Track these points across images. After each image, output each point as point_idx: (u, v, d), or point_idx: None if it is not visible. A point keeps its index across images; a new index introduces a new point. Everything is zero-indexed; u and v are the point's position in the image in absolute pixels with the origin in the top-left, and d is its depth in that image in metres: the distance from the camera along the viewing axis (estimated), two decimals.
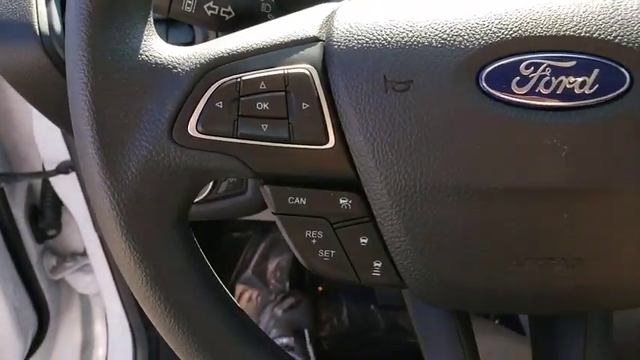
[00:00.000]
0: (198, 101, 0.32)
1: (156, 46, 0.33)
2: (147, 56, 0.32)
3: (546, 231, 0.33)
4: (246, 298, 1.29)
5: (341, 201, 0.35)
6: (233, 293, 1.28)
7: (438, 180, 0.32)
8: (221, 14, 0.42)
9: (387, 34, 0.33)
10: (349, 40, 0.33)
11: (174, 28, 0.58)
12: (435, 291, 0.35)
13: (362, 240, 0.35)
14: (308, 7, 0.37)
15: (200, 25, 0.43)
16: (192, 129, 0.33)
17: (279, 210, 0.34)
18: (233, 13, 0.42)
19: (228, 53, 0.33)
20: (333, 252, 0.35)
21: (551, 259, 0.33)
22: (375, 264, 0.35)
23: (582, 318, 0.39)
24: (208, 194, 0.64)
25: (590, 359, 0.39)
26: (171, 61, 0.33)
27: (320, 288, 1.32)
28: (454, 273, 0.34)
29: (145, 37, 0.33)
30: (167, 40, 0.53)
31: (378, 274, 0.35)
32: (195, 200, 0.64)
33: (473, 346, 0.40)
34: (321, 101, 0.33)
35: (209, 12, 0.42)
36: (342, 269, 0.35)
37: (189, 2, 0.42)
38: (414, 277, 0.34)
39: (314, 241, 0.35)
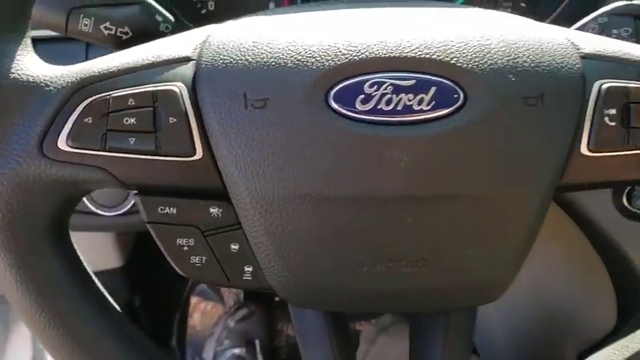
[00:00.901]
0: (69, 117, 0.35)
1: (30, 65, 0.35)
2: (19, 75, 0.35)
3: (393, 235, 0.35)
4: (200, 309, 1.30)
5: (211, 210, 0.37)
6: (187, 305, 1.29)
7: (293, 190, 0.35)
8: (118, 34, 0.45)
9: (249, 55, 0.36)
10: (216, 60, 0.36)
11: (94, 46, 0.60)
12: (297, 293, 0.37)
13: (232, 246, 0.37)
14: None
15: (98, 43, 0.46)
16: (62, 143, 0.35)
17: (150, 219, 0.37)
18: (130, 33, 0.45)
19: (99, 72, 0.36)
20: (204, 258, 0.37)
21: (399, 260, 0.36)
22: (246, 269, 0.38)
23: (444, 314, 0.42)
24: (132, 206, 0.66)
25: (449, 353, 0.42)
26: (44, 80, 0.35)
27: (277, 299, 1.34)
28: (313, 276, 0.36)
29: (18, 56, 0.35)
30: (87, 58, 0.55)
31: (249, 278, 0.38)
32: (119, 212, 0.66)
33: (344, 347, 0.43)
34: (189, 116, 0.35)
35: (106, 32, 0.45)
36: (214, 274, 0.38)
37: (86, 22, 0.44)
38: (278, 280, 0.37)
39: (186, 248, 0.37)
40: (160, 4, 0.65)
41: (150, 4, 0.46)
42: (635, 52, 0.37)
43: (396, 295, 0.37)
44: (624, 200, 0.62)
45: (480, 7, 0.75)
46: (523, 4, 0.74)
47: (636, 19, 0.46)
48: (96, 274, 0.41)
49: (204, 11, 0.73)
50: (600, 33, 0.48)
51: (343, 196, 0.35)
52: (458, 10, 0.40)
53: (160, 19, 0.46)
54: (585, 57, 0.37)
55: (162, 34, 0.48)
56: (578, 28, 0.48)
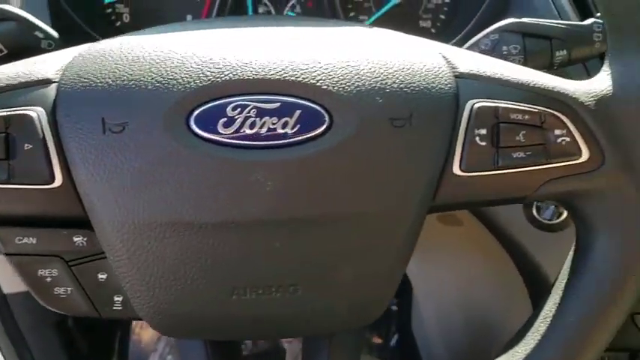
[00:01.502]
0: None
1: None
2: None
3: (261, 261, 0.34)
4: (143, 325, 1.27)
5: (75, 239, 0.35)
6: (128, 331, 1.26)
7: (155, 217, 0.33)
8: None
9: (110, 77, 0.34)
10: (76, 82, 0.34)
11: None
12: (168, 323, 0.36)
13: (100, 276, 0.36)
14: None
15: None
16: None
17: (8, 250, 0.35)
18: (5, 51, 0.43)
19: None
20: (70, 289, 0.36)
21: (269, 286, 0.35)
22: (116, 298, 0.36)
23: (327, 336, 0.41)
24: None
25: None
26: None
27: None
28: (181, 305, 0.35)
29: None
30: None
31: (120, 308, 0.36)
32: None
33: None
34: (47, 141, 0.34)
35: None
36: (81, 305, 0.36)
37: None
38: (146, 310, 0.35)
39: (49, 279, 0.35)
40: (64, 19, 0.64)
41: (28, 20, 0.44)
42: (506, 72, 0.37)
43: (269, 321, 0.36)
44: (534, 212, 0.62)
45: (398, 21, 0.77)
46: (443, 16, 0.75)
47: (525, 37, 0.46)
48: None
49: (118, 23, 0.71)
50: (492, 49, 0.48)
51: (207, 223, 0.34)
52: (337, 30, 0.39)
53: (40, 35, 0.44)
54: (460, 76, 0.37)
55: (45, 51, 0.46)
56: (473, 44, 0.49)
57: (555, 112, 0.36)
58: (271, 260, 0.34)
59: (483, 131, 0.36)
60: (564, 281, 0.38)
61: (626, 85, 0.36)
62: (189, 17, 0.72)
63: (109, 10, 0.69)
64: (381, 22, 0.72)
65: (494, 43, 0.48)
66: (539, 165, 0.36)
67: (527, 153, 0.36)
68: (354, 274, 0.35)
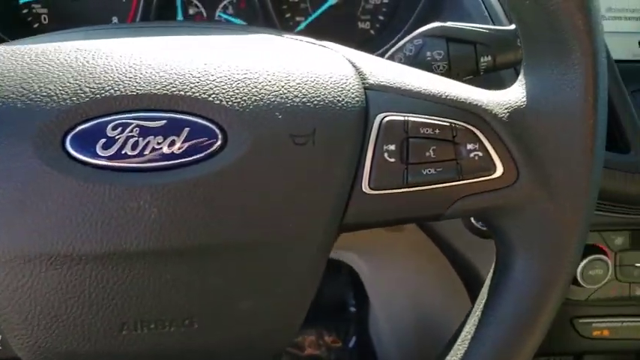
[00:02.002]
0: None
1: None
2: None
3: (151, 293, 0.32)
4: None
5: None
6: None
7: (27, 249, 0.30)
8: None
9: None
10: None
11: None
12: None
13: None
14: None
15: None
16: None
17: None
18: None
19: None
20: None
21: (162, 321, 0.32)
22: None
23: None
24: None
25: None
26: None
27: None
28: (63, 343, 0.32)
29: None
30: None
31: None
32: None
33: None
34: None
35: None
36: None
37: None
38: (25, 349, 0.32)
39: None
40: None
41: None
42: (418, 83, 0.35)
43: (165, 357, 0.33)
44: (472, 219, 0.61)
45: (336, 22, 0.75)
46: (382, 17, 0.73)
47: (449, 42, 0.45)
48: None
49: (36, 25, 0.67)
50: (416, 55, 0.46)
51: (87, 255, 0.30)
52: (240, 39, 0.36)
53: None
54: (369, 88, 0.35)
55: None
56: (398, 49, 0.46)
57: (467, 125, 0.34)
58: (162, 293, 0.31)
59: (392, 147, 0.34)
60: (483, 301, 0.36)
61: (539, 98, 0.34)
62: (114, 19, 0.68)
63: (25, 11, 0.65)
64: (317, 24, 0.70)
65: (418, 49, 0.46)
66: (450, 182, 0.34)
67: (438, 169, 0.34)
68: (255, 305, 0.33)
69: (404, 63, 0.47)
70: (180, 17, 0.68)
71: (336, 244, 0.36)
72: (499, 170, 0.34)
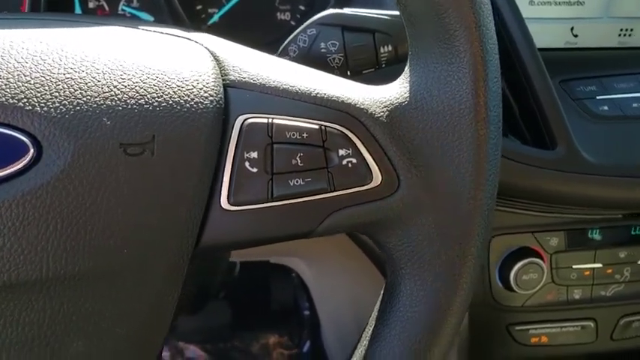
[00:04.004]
0: None
1: None
2: None
3: None
4: None
5: None
6: None
7: None
8: None
9: None
10: None
11: None
12: None
13: None
14: None
15: None
16: None
17: None
18: None
19: None
20: None
21: None
22: None
23: None
24: None
25: None
26: None
27: None
28: None
29: None
30: None
31: None
32: None
33: None
34: None
35: None
36: None
37: None
38: None
39: None
40: None
41: None
42: (286, 79, 0.30)
43: None
44: None
45: (252, 13, 0.70)
46: (302, 7, 0.68)
47: (345, 30, 0.40)
48: None
49: None
50: (310, 47, 0.41)
51: None
52: (81, 32, 0.31)
53: None
54: (230, 85, 0.30)
55: None
56: (291, 41, 0.41)
57: (339, 128, 0.29)
58: None
59: (254, 154, 0.29)
60: (371, 328, 0.32)
61: (424, 94, 0.29)
62: None
63: None
64: (232, 16, 0.64)
65: (312, 40, 0.41)
66: (321, 194, 0.29)
67: (307, 180, 0.29)
68: (88, 346, 0.27)
69: (297, 56, 0.42)
70: (78, 11, 0.62)
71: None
72: (377, 179, 0.29)
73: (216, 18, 0.64)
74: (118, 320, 0.27)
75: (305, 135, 0.29)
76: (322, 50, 0.40)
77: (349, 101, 0.29)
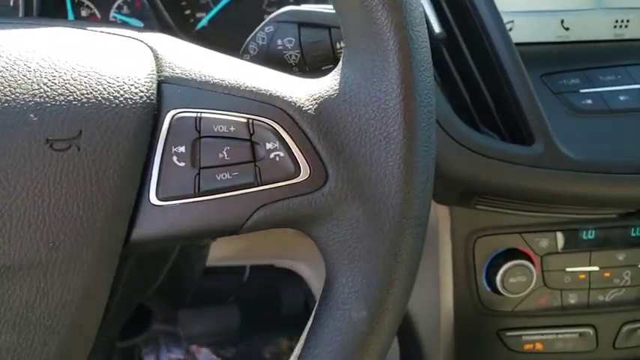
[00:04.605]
0: None
1: None
2: None
3: None
4: None
5: None
6: None
7: None
8: None
9: None
10: None
11: None
12: None
13: None
14: None
15: None
16: None
17: None
18: None
19: None
20: None
21: None
22: None
23: None
24: None
25: None
26: None
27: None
28: None
29: None
30: None
31: None
32: None
33: None
34: None
35: None
36: None
37: None
38: None
39: None
40: None
41: None
42: (217, 73, 0.30)
43: None
44: None
45: (240, 16, 0.70)
46: None
47: (301, 27, 0.39)
48: None
49: None
50: (268, 45, 0.41)
51: None
52: (20, 32, 0.31)
53: None
54: (165, 81, 0.30)
55: None
56: (250, 41, 0.41)
57: (266, 121, 0.28)
58: None
59: (182, 149, 0.28)
60: (308, 326, 0.31)
61: (353, 86, 0.28)
62: None
63: None
64: (221, 19, 0.65)
65: (270, 37, 0.40)
66: (248, 188, 0.28)
67: (234, 174, 0.28)
68: (16, 339, 0.27)
69: (257, 54, 0.41)
70: (71, 18, 0.64)
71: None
72: (305, 172, 0.29)
73: (204, 22, 0.65)
74: (47, 313, 0.28)
75: (232, 128, 0.28)
76: (279, 47, 0.39)
77: (277, 94, 0.29)
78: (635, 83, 0.47)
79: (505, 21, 0.54)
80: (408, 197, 0.28)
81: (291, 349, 0.31)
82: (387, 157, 0.27)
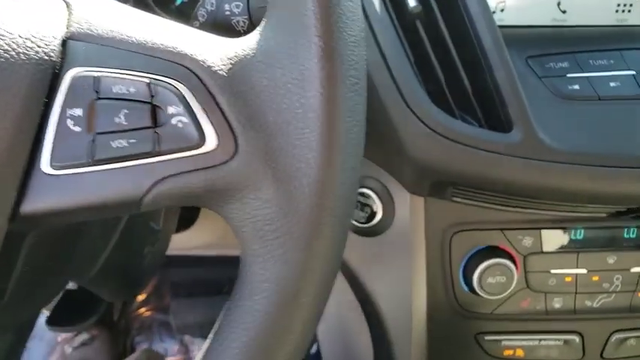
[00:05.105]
0: None
1: None
2: None
3: None
4: (38, 336, 1.18)
5: None
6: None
7: None
8: None
9: None
10: None
11: None
12: None
13: None
14: None
15: None
16: None
17: None
18: None
19: None
20: None
21: None
22: None
23: None
24: None
25: None
26: None
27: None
28: None
29: None
30: None
31: None
32: None
33: None
34: None
35: None
36: None
37: None
38: None
39: None
40: None
41: None
42: (126, 29, 0.26)
43: None
44: None
45: None
46: None
47: None
48: None
49: None
50: (217, 10, 0.38)
51: None
52: None
53: None
54: (72, 38, 0.27)
55: None
56: (199, 7, 0.38)
57: (171, 82, 0.25)
58: None
59: (78, 111, 0.26)
60: (219, 321, 0.28)
61: (273, 48, 0.25)
62: None
63: None
64: None
65: (219, 2, 0.37)
66: (146, 157, 0.25)
67: (131, 141, 0.25)
68: None
69: (206, 20, 0.38)
70: None
71: None
72: (211, 142, 0.25)
73: None
74: None
75: (132, 89, 0.25)
76: (227, 13, 0.36)
77: (186, 52, 0.26)
78: (629, 69, 0.42)
79: (496, 0, 0.50)
80: (327, 175, 0.24)
81: None
82: (303, 127, 0.24)
